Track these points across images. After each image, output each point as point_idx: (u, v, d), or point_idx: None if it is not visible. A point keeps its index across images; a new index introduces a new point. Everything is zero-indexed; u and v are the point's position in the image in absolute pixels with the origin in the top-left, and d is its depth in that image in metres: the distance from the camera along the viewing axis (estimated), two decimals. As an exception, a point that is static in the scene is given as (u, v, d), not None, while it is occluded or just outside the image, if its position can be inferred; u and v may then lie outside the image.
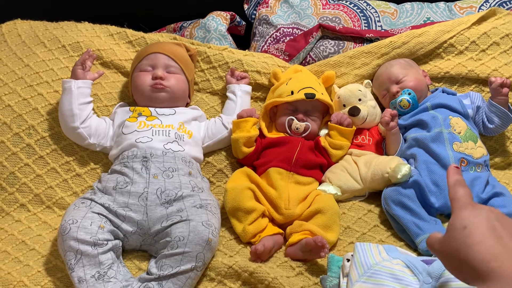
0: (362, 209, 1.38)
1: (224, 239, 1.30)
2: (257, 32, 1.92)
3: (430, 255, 1.14)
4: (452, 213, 0.66)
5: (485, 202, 1.32)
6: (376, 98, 1.61)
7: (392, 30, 1.78)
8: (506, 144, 1.57)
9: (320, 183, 1.44)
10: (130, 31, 1.71)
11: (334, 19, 1.86)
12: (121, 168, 1.30)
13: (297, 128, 1.48)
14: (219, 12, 1.94)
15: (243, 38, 2.05)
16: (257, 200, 1.33)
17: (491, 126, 1.48)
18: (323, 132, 1.54)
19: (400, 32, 1.72)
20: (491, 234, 0.59)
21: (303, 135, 1.49)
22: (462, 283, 0.91)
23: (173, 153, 1.35)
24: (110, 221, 1.20)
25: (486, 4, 1.88)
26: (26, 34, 1.65)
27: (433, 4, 1.92)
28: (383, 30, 1.82)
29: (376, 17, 1.88)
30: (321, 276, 1.10)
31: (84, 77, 1.41)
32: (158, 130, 1.39)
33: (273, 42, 1.85)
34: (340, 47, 1.75)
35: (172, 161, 1.32)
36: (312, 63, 1.74)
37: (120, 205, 1.22)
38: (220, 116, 1.54)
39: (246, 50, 1.81)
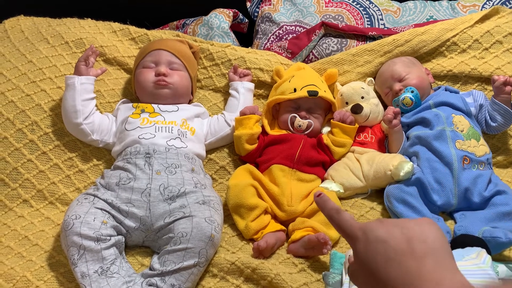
0: (364, 207, 1.38)
1: (227, 235, 1.30)
2: (259, 29, 1.92)
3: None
4: (354, 236, 0.57)
5: (487, 200, 1.32)
6: (379, 96, 1.61)
7: (395, 28, 1.78)
8: (509, 143, 1.57)
9: (322, 181, 1.44)
10: (133, 28, 1.71)
11: (337, 17, 1.86)
12: (124, 164, 1.30)
13: (299, 126, 1.49)
14: (222, 9, 1.94)
15: (246, 36, 2.05)
16: (260, 197, 1.34)
17: (494, 124, 1.48)
18: (326, 129, 1.54)
19: (403, 30, 1.71)
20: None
21: (306, 132, 1.49)
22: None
23: (176, 149, 1.35)
24: (113, 216, 1.20)
25: (489, 3, 1.87)
26: (29, 31, 1.65)
27: (436, 2, 1.92)
28: (386, 28, 1.82)
29: (379, 15, 1.88)
30: (323, 273, 1.11)
31: (87, 73, 1.41)
32: (161, 127, 1.39)
33: (276, 39, 1.85)
34: (343, 45, 1.75)
35: (175, 158, 1.32)
36: (315, 60, 1.74)
37: (123, 201, 1.22)
38: (222, 113, 1.54)
39: (249, 47, 1.81)
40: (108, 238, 1.14)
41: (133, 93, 1.55)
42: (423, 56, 1.66)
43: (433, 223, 0.54)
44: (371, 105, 1.54)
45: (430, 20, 1.85)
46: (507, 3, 1.86)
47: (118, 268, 1.12)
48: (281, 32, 1.86)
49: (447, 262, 0.50)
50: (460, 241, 1.11)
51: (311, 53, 1.77)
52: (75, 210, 1.16)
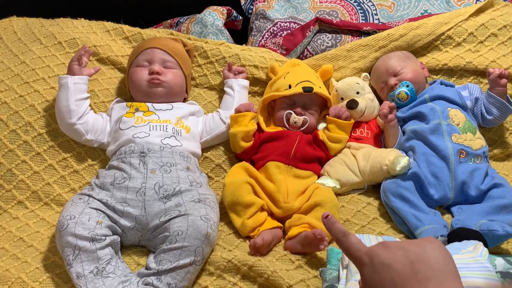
0: (361, 202, 1.38)
1: (223, 233, 1.29)
2: (254, 26, 1.92)
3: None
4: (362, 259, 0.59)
5: (484, 193, 1.32)
6: (374, 91, 1.61)
7: (389, 23, 1.78)
8: (505, 136, 1.56)
9: (318, 177, 1.43)
10: (126, 27, 1.71)
11: (331, 12, 1.86)
12: (119, 163, 1.30)
13: (295, 122, 1.48)
14: (216, 7, 1.93)
15: (240, 33, 2.04)
16: (256, 194, 1.33)
17: (490, 117, 1.48)
18: (322, 125, 1.54)
19: (398, 25, 1.71)
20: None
21: (302, 129, 1.48)
22: (463, 273, 0.91)
23: (171, 148, 1.34)
24: (108, 216, 1.19)
25: (484, -4, 1.87)
26: (22, 31, 1.64)
27: (431, -4, 1.92)
28: (380, 23, 1.82)
29: (373, 10, 1.87)
30: (320, 269, 1.10)
31: (80, 73, 1.40)
32: (156, 125, 1.38)
33: (271, 36, 1.84)
34: (337, 40, 1.74)
35: (170, 156, 1.32)
36: (310, 57, 1.73)
37: (118, 200, 1.21)
38: (218, 111, 1.53)
39: (243, 44, 1.80)
40: (103, 238, 1.13)
41: (127, 92, 1.54)
42: (418, 50, 1.65)
43: (435, 241, 0.56)
44: (367, 100, 1.53)
45: (425, 14, 1.84)
46: (501, -4, 1.85)
47: (114, 268, 1.11)
48: (275, 28, 1.85)
49: (450, 283, 0.52)
50: (457, 234, 1.10)
51: (305, 49, 1.76)
52: (69, 211, 1.15)
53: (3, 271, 1.14)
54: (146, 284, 1.09)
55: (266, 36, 1.85)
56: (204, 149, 1.50)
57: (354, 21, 1.83)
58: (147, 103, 1.44)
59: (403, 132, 1.48)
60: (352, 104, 1.50)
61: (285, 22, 1.85)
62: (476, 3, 1.84)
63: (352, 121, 1.50)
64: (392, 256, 0.55)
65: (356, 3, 1.89)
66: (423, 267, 0.52)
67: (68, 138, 1.42)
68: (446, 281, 0.52)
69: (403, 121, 1.50)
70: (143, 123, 1.38)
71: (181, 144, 1.37)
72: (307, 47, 1.76)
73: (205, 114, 1.55)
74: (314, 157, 1.44)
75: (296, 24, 1.83)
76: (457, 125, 1.40)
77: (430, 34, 1.64)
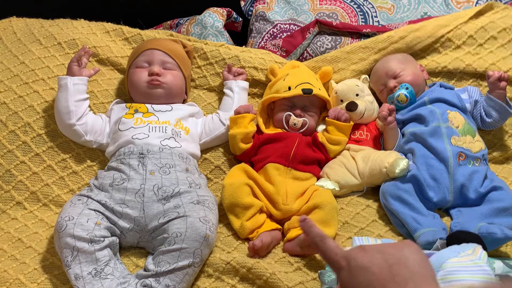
0: (360, 204, 1.38)
1: (222, 235, 1.29)
2: (254, 28, 1.92)
3: (429, 249, 1.14)
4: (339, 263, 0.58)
5: (483, 196, 1.32)
6: (374, 93, 1.61)
7: (389, 25, 1.78)
8: (504, 138, 1.56)
9: (318, 179, 1.43)
10: (126, 28, 1.70)
11: (331, 14, 1.86)
12: (118, 164, 1.29)
13: (294, 124, 1.48)
14: (216, 8, 1.93)
15: (240, 35, 2.04)
16: (255, 196, 1.33)
17: (489, 120, 1.48)
18: (321, 127, 1.54)
19: (398, 27, 1.71)
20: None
21: (301, 130, 1.48)
22: (461, 276, 0.91)
23: (170, 149, 1.34)
24: (107, 217, 1.19)
25: (483, -1, 1.87)
26: (22, 32, 1.64)
27: (430, -1, 1.92)
28: (380, 26, 1.82)
29: (373, 12, 1.87)
30: (319, 271, 1.10)
31: (80, 74, 1.40)
32: (155, 127, 1.38)
33: (270, 38, 1.84)
34: (337, 42, 1.74)
35: (169, 158, 1.31)
36: (309, 58, 1.73)
37: (117, 201, 1.21)
38: (217, 113, 1.53)
39: (243, 46, 1.80)
40: (102, 239, 1.13)
41: (127, 93, 1.54)
42: (418, 52, 1.65)
43: (414, 245, 0.56)
44: (366, 103, 1.53)
45: (425, 16, 1.84)
46: (501, -2, 1.85)
47: (112, 269, 1.11)
48: (275, 30, 1.85)
49: (428, 286, 0.52)
50: (456, 237, 1.10)
51: (305, 51, 1.76)
52: (68, 212, 1.15)
53: (1, 272, 1.14)
54: (144, 286, 1.09)
55: (266, 37, 1.85)
56: (203, 151, 1.50)
57: (354, 23, 1.83)
58: (146, 104, 1.44)
59: (403, 135, 1.48)
60: (352, 106, 1.50)
61: (285, 24, 1.85)
62: (475, 5, 1.84)
63: (352, 123, 1.50)
64: (370, 259, 0.54)
65: (356, 5, 1.89)
66: (401, 270, 0.52)
67: (67, 139, 1.42)
68: (424, 284, 0.52)
69: (402, 123, 1.50)
70: (142, 124, 1.38)
71: (180, 146, 1.37)
72: (307, 49, 1.76)
73: (204, 115, 1.55)
74: (314, 159, 1.44)
75: (296, 26, 1.83)
76: (457, 127, 1.40)
77: (429, 36, 1.64)
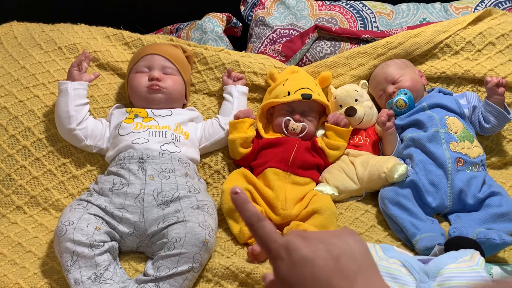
0: (359, 209, 1.38)
1: (221, 240, 1.29)
2: (253, 33, 1.92)
3: (427, 254, 1.15)
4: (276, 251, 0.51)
5: (482, 201, 1.33)
6: (373, 99, 1.61)
7: (388, 31, 1.79)
8: (503, 144, 1.57)
9: (317, 184, 1.44)
10: (126, 33, 1.71)
11: (330, 20, 1.87)
12: (118, 169, 1.30)
13: (294, 129, 1.48)
14: (216, 13, 1.94)
15: (239, 40, 2.05)
16: (254, 200, 1.33)
17: (487, 125, 1.49)
18: (320, 132, 1.54)
19: (396, 33, 1.72)
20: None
21: (300, 135, 1.49)
22: (459, 282, 0.92)
23: (170, 154, 1.34)
24: (107, 222, 1.19)
25: (482, 5, 1.88)
26: (22, 36, 1.64)
27: (429, 4, 1.93)
28: (379, 31, 1.83)
29: (372, 17, 1.88)
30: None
31: (80, 79, 1.41)
32: (155, 131, 1.38)
33: (270, 43, 1.85)
34: (336, 48, 1.75)
35: (169, 162, 1.32)
36: (309, 64, 1.74)
37: (117, 206, 1.22)
38: (217, 117, 1.54)
39: (243, 51, 1.81)
40: (102, 244, 1.13)
41: (127, 98, 1.55)
42: (417, 58, 1.66)
43: (356, 234, 0.51)
44: (365, 108, 1.54)
45: (423, 22, 1.85)
46: (499, 4, 1.87)
47: (112, 274, 1.11)
48: (275, 35, 1.86)
49: (378, 278, 0.48)
50: (455, 243, 1.11)
51: (304, 56, 1.77)
52: (68, 216, 1.15)
53: (1, 276, 1.15)
54: (144, 291, 1.09)
55: (266, 43, 1.86)
56: (203, 155, 1.51)
57: (353, 29, 1.84)
58: (146, 109, 1.44)
59: (401, 140, 1.48)
60: (351, 112, 1.51)
61: (285, 29, 1.86)
62: (474, 11, 1.85)
63: (351, 128, 1.50)
64: (313, 249, 0.48)
65: (355, 11, 1.90)
66: (349, 263, 0.47)
67: (67, 144, 1.43)
68: (373, 276, 0.48)
69: (401, 128, 1.51)
70: (142, 129, 1.38)
71: (180, 150, 1.38)
72: (306, 54, 1.77)
73: (204, 120, 1.56)
74: (313, 164, 1.45)
75: (295, 31, 1.84)
76: (455, 133, 1.41)
77: (428, 42, 1.65)
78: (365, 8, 1.91)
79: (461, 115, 1.48)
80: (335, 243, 0.49)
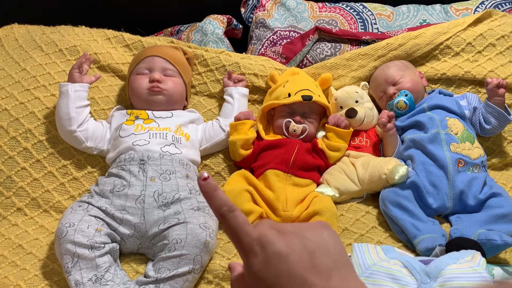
0: (360, 211, 1.38)
1: (222, 241, 1.29)
2: (254, 35, 1.93)
3: (428, 255, 1.14)
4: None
5: (483, 202, 1.32)
6: (373, 100, 1.61)
7: (388, 32, 1.79)
8: (503, 145, 1.57)
9: (317, 185, 1.44)
10: (127, 35, 1.71)
11: (330, 21, 1.87)
12: (118, 171, 1.30)
13: (294, 130, 1.49)
14: (216, 15, 1.94)
15: (240, 41, 2.05)
16: (255, 202, 1.33)
17: (488, 127, 1.49)
18: (321, 134, 1.54)
19: (397, 34, 1.72)
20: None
21: (301, 137, 1.49)
22: (460, 283, 0.91)
23: (170, 155, 1.34)
24: (107, 224, 1.19)
25: (482, 6, 1.88)
26: (23, 39, 1.65)
27: (429, 6, 1.93)
28: (379, 33, 1.83)
29: (372, 19, 1.88)
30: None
31: (81, 81, 1.41)
32: (155, 133, 1.39)
33: (270, 45, 1.85)
34: (336, 49, 1.75)
35: (169, 164, 1.32)
36: (309, 65, 1.74)
37: (117, 208, 1.22)
38: (217, 119, 1.54)
39: (243, 53, 1.81)
40: (102, 245, 1.13)
41: (127, 99, 1.55)
42: (417, 59, 1.66)
43: (329, 226, 0.49)
44: (366, 109, 1.54)
45: (424, 24, 1.86)
46: (499, 6, 1.87)
47: (113, 276, 1.11)
48: (275, 37, 1.86)
49: (353, 276, 0.47)
50: (456, 243, 1.11)
51: (305, 58, 1.77)
52: (68, 218, 1.15)
53: (1, 278, 1.15)
54: (144, 292, 1.09)
55: (266, 44, 1.86)
56: (204, 157, 1.51)
57: (353, 30, 1.84)
58: (147, 111, 1.45)
59: (402, 141, 1.48)
60: (351, 113, 1.51)
61: (285, 31, 1.86)
62: (474, 13, 1.86)
63: (351, 129, 1.50)
64: (288, 244, 0.45)
65: (356, 13, 1.90)
66: (324, 259, 0.45)
67: (68, 145, 1.43)
68: (348, 273, 0.46)
69: (401, 130, 1.51)
70: (143, 131, 1.38)
71: (181, 152, 1.38)
72: (307, 55, 1.77)
73: (204, 121, 1.56)
74: (313, 165, 1.45)
75: (295, 33, 1.84)
76: (456, 134, 1.41)
77: (428, 43, 1.65)
78: (365, 10, 1.91)
79: (461, 116, 1.48)
80: (309, 237, 0.47)
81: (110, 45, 1.69)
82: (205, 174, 0.49)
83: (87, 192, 1.37)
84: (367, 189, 1.41)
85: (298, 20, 1.91)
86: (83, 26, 1.74)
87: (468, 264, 0.96)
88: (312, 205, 1.32)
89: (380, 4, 1.96)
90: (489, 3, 1.89)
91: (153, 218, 1.21)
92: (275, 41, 1.85)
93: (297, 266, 0.44)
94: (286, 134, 1.50)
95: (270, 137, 1.52)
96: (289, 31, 1.86)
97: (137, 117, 1.42)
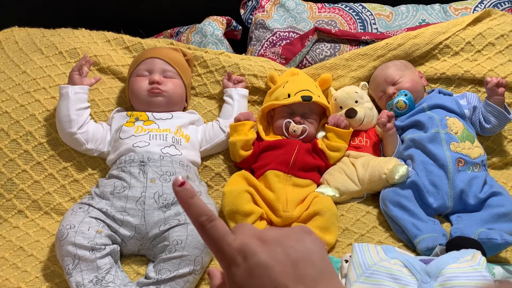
0: (360, 211, 1.38)
1: (223, 242, 1.29)
2: (253, 36, 1.93)
3: (429, 255, 1.14)
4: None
5: (483, 201, 1.32)
6: (373, 100, 1.62)
7: (387, 33, 1.79)
8: (504, 144, 1.57)
9: (318, 185, 1.44)
10: (127, 37, 1.72)
11: (330, 22, 1.87)
12: (119, 172, 1.30)
13: (294, 131, 1.49)
14: (216, 17, 1.94)
15: (239, 43, 2.05)
16: (255, 203, 1.33)
17: (487, 126, 1.49)
18: (321, 134, 1.54)
19: (396, 34, 1.72)
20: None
21: (301, 137, 1.49)
22: (461, 282, 0.91)
23: (171, 157, 1.35)
24: (108, 225, 1.20)
25: (481, 5, 1.88)
26: (23, 41, 1.65)
27: (428, 6, 1.93)
28: (378, 33, 1.83)
29: (371, 19, 1.88)
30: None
31: (81, 83, 1.41)
32: (155, 135, 1.39)
33: (270, 46, 1.85)
34: (336, 50, 1.75)
35: (170, 165, 1.32)
36: (309, 66, 1.74)
37: (118, 209, 1.22)
38: (217, 120, 1.54)
39: (243, 54, 1.81)
40: (103, 247, 1.14)
41: (127, 101, 1.55)
42: (416, 59, 1.66)
43: (311, 232, 0.47)
44: (365, 109, 1.54)
45: (423, 23, 1.86)
46: (498, 5, 1.87)
47: (113, 277, 1.12)
48: (274, 38, 1.86)
49: (335, 282, 0.46)
50: (456, 243, 1.11)
51: (304, 59, 1.77)
52: (69, 220, 1.15)
53: (3, 280, 1.15)
54: (145, 294, 1.09)
55: (266, 45, 1.86)
56: (204, 158, 1.51)
57: (352, 31, 1.84)
58: (147, 113, 1.45)
59: (402, 141, 1.48)
60: (351, 113, 1.51)
61: (284, 32, 1.87)
62: (473, 12, 1.86)
63: (351, 130, 1.50)
64: (272, 254, 0.44)
65: (355, 13, 1.90)
66: (308, 269, 0.44)
67: (68, 147, 1.43)
68: (333, 283, 0.45)
69: (401, 129, 1.51)
70: (143, 132, 1.39)
71: (181, 153, 1.38)
72: (306, 56, 1.77)
73: (204, 123, 1.56)
74: (314, 165, 1.45)
75: (295, 34, 1.85)
76: (456, 133, 1.41)
77: (428, 43, 1.65)
78: (365, 10, 1.91)
79: (461, 116, 1.48)
80: (292, 245, 0.45)
81: (110, 47, 1.69)
82: (181, 179, 0.46)
83: (87, 194, 1.38)
84: (367, 189, 1.41)
85: (298, 21, 1.91)
86: (83, 29, 1.74)
87: (469, 263, 0.96)
88: (312, 206, 1.32)
89: (379, 4, 1.96)
90: (488, 2, 1.89)
91: (154, 220, 1.21)
92: (274, 42, 1.85)
93: (281, 276, 0.43)
94: (286, 134, 1.50)
95: (270, 137, 1.52)
96: (289, 32, 1.87)
97: (137, 119, 1.43)
